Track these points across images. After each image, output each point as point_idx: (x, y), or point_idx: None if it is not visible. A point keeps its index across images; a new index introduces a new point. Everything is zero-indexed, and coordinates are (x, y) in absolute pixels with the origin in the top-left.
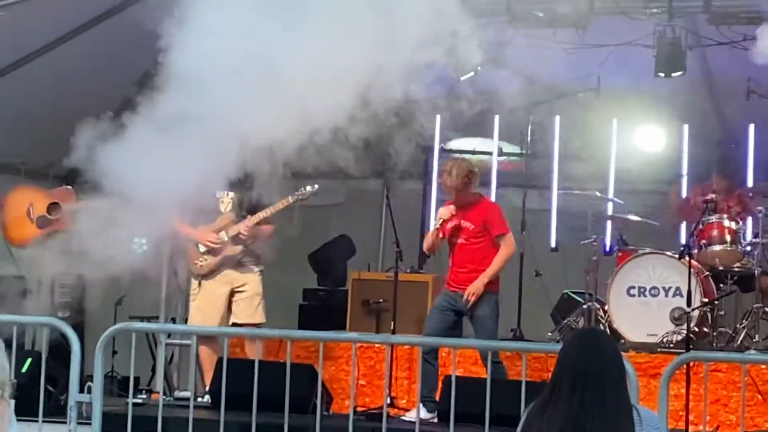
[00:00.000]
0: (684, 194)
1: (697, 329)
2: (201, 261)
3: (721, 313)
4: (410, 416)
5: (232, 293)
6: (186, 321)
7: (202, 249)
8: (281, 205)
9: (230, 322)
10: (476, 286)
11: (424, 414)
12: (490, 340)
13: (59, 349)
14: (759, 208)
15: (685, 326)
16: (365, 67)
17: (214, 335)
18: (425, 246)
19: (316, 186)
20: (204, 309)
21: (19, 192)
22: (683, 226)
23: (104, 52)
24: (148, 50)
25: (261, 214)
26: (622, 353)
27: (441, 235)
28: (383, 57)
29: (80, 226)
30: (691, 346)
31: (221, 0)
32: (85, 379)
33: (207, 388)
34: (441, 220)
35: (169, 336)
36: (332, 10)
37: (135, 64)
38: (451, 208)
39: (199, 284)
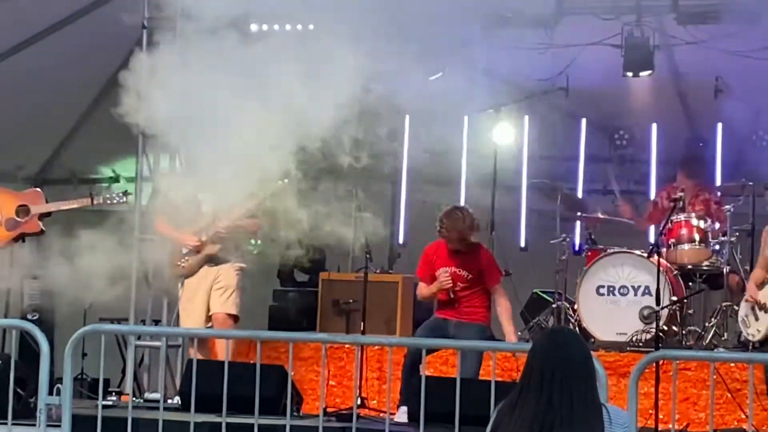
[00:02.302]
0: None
1: (666, 328)
2: (183, 262)
3: (690, 311)
4: (400, 418)
5: (211, 286)
6: (155, 322)
7: (184, 250)
8: (254, 202)
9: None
10: (510, 333)
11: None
12: (475, 365)
13: (29, 351)
14: (727, 207)
15: (654, 325)
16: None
17: (203, 339)
18: (419, 295)
19: (286, 180)
20: (187, 309)
21: None
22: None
23: (72, 54)
24: (117, 52)
25: (233, 215)
26: (592, 352)
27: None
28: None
29: None
30: (660, 345)
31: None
32: (54, 381)
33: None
34: (449, 288)
35: (138, 338)
36: None
37: (103, 66)
38: (448, 277)
39: (181, 284)
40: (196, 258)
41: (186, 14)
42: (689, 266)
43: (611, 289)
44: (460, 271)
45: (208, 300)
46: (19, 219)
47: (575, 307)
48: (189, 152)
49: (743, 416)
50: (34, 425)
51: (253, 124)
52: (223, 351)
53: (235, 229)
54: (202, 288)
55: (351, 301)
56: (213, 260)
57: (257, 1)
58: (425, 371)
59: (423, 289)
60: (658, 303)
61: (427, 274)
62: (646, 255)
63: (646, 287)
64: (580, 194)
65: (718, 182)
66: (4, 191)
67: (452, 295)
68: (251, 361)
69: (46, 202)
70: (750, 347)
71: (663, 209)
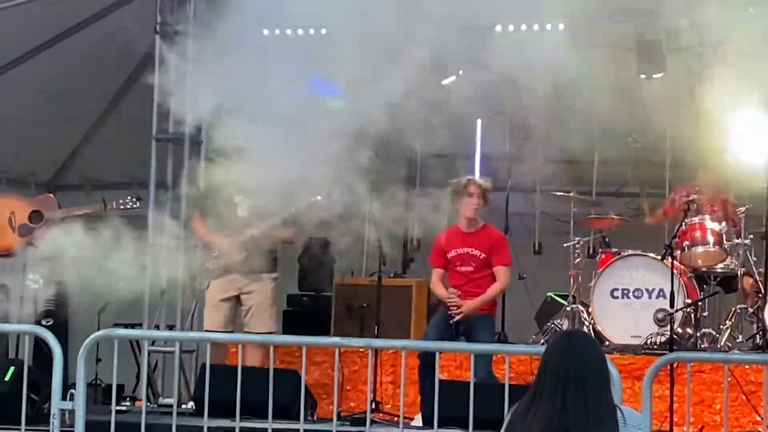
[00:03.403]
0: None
1: (680, 330)
2: (211, 263)
3: (705, 314)
4: (418, 422)
5: (239, 299)
6: (169, 327)
7: (215, 252)
8: (286, 214)
9: (244, 331)
10: (469, 307)
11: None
12: (487, 364)
13: (42, 357)
14: (741, 209)
15: (668, 327)
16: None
17: (222, 343)
18: (433, 288)
19: (319, 197)
20: (210, 313)
21: (0, 201)
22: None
23: (85, 60)
24: (129, 58)
25: (265, 224)
26: (606, 355)
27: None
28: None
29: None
30: (674, 347)
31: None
32: (68, 386)
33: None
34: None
35: (152, 343)
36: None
37: (116, 72)
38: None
39: (207, 286)
40: (224, 261)
41: (198, 20)
42: (703, 269)
43: (625, 291)
44: (472, 250)
45: (236, 309)
46: (32, 225)
47: (589, 310)
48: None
49: (758, 418)
50: (48, 431)
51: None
52: (254, 359)
53: (267, 237)
54: (229, 295)
55: (365, 305)
56: (244, 268)
57: (268, 6)
58: (438, 375)
59: (435, 285)
60: (672, 305)
61: (438, 261)
62: (660, 257)
63: (661, 290)
64: (593, 196)
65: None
66: (17, 197)
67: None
68: (265, 366)
69: (59, 207)
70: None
71: (679, 207)
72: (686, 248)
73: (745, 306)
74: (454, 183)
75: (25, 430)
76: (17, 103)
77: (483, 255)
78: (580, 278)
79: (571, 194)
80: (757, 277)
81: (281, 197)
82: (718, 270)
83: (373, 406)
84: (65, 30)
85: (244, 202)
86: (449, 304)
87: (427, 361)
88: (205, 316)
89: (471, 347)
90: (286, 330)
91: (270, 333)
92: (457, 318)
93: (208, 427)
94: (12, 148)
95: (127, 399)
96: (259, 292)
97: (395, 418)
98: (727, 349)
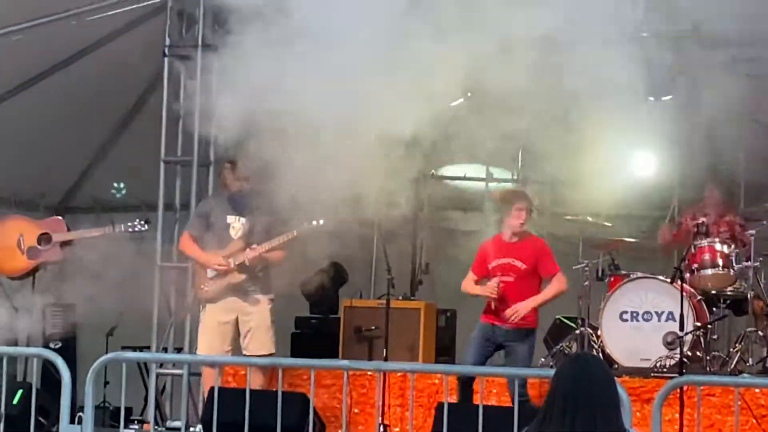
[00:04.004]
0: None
1: (690, 353)
2: (206, 285)
3: (714, 337)
4: None
5: (238, 321)
6: (177, 350)
7: (210, 274)
8: (286, 238)
9: (242, 353)
10: (525, 306)
11: None
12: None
13: (50, 380)
14: (750, 231)
15: (678, 350)
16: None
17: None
18: (463, 287)
19: (322, 221)
20: (207, 336)
21: (9, 223)
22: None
23: (93, 83)
24: (137, 82)
25: (265, 245)
26: (615, 378)
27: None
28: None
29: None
30: (684, 371)
31: None
32: (76, 410)
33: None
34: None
35: (160, 366)
36: None
37: (124, 94)
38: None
39: (203, 308)
40: (220, 284)
41: (206, 42)
42: (713, 291)
43: (635, 314)
44: (514, 261)
45: (235, 331)
46: (40, 247)
47: (598, 332)
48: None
49: None
50: None
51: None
52: (256, 381)
53: (262, 260)
54: (228, 318)
55: (373, 327)
56: (240, 290)
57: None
58: (447, 398)
59: (469, 285)
60: (681, 328)
61: (478, 270)
62: (669, 280)
63: (670, 313)
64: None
65: (741, 206)
66: (26, 220)
67: (495, 305)
68: (273, 389)
69: (68, 230)
70: None
71: (687, 230)
72: (695, 271)
73: (755, 329)
74: (502, 192)
75: None
76: (27, 125)
77: (525, 266)
78: (589, 301)
79: (579, 217)
80: (767, 300)
81: (283, 219)
82: (728, 293)
83: (382, 429)
84: (75, 53)
85: (237, 223)
86: (491, 295)
87: (464, 383)
88: (200, 339)
89: (483, 371)
90: (294, 353)
91: (270, 355)
92: (512, 320)
93: None
94: (21, 171)
95: (135, 422)
96: (257, 314)
97: None
98: (737, 372)
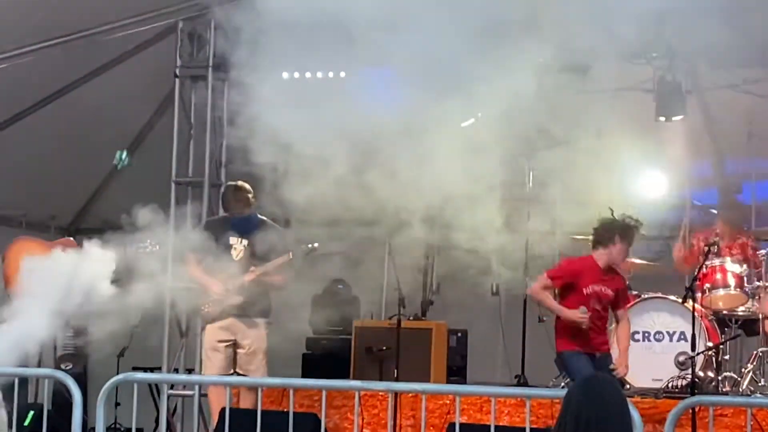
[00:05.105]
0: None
1: (702, 374)
2: (207, 307)
3: (726, 357)
4: None
5: (236, 342)
6: (188, 371)
7: (211, 296)
8: (281, 261)
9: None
10: (626, 364)
11: None
12: None
13: (62, 401)
14: (762, 252)
15: (689, 371)
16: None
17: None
18: (535, 295)
19: (317, 244)
20: (209, 355)
21: (20, 244)
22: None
23: (104, 105)
24: (148, 103)
25: (261, 269)
26: (627, 399)
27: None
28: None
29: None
30: (696, 391)
31: None
32: (88, 431)
33: None
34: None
35: (171, 386)
36: None
37: (135, 116)
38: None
39: (203, 328)
40: (219, 306)
41: (217, 63)
42: (725, 311)
43: (646, 334)
44: (606, 290)
45: (234, 352)
46: None
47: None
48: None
49: None
50: None
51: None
52: (247, 402)
53: (260, 283)
54: (227, 338)
55: (384, 348)
56: (240, 313)
57: (288, 49)
58: (459, 418)
59: (540, 294)
60: (693, 349)
61: (560, 283)
62: (681, 300)
63: (682, 333)
64: None
65: (753, 226)
66: (37, 241)
67: (576, 332)
68: (284, 409)
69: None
70: None
71: (698, 252)
72: (707, 291)
73: (766, 349)
74: (627, 227)
75: None
76: (38, 147)
77: (613, 296)
78: None
79: (590, 237)
80: None
81: (280, 242)
82: (740, 313)
83: None
84: (86, 74)
85: (239, 245)
86: (583, 324)
87: None
88: (204, 361)
89: (489, 391)
90: (306, 373)
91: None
92: (621, 375)
93: None
94: (32, 192)
95: None
96: (255, 337)
97: None
98: (749, 392)
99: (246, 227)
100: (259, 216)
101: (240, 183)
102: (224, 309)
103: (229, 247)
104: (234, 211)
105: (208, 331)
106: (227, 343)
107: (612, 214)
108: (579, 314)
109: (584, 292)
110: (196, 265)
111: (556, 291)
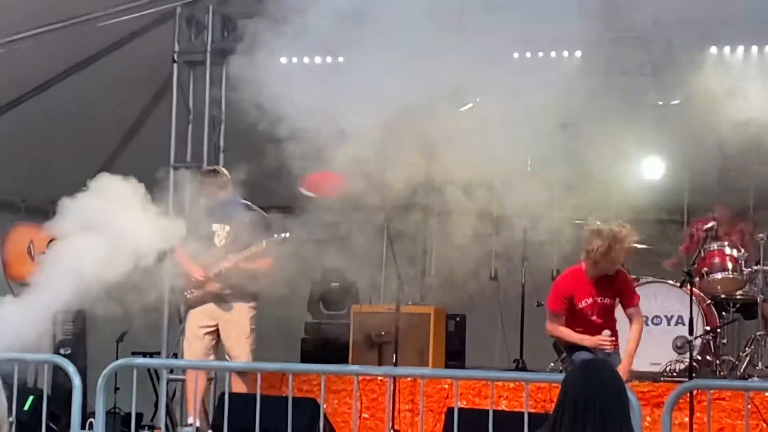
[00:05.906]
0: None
1: (699, 357)
2: (189, 293)
3: (724, 341)
4: None
5: (218, 327)
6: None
7: (192, 281)
8: (254, 249)
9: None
10: (629, 368)
11: None
12: None
13: (61, 386)
14: (760, 235)
15: (687, 355)
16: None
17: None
18: (553, 331)
19: (287, 234)
20: (190, 341)
21: (20, 229)
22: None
23: (104, 89)
24: (147, 87)
25: (235, 258)
26: (625, 383)
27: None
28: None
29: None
30: (694, 375)
31: None
32: (87, 416)
33: (191, 414)
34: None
35: (171, 371)
36: None
37: (133, 101)
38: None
39: (186, 315)
40: (200, 291)
41: (215, 48)
42: (722, 295)
43: (644, 318)
44: (600, 299)
45: (216, 338)
46: None
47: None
48: None
49: None
50: None
51: None
52: (239, 386)
53: (240, 269)
54: (208, 323)
55: (383, 333)
56: (220, 299)
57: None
58: (458, 403)
59: (561, 331)
60: (691, 333)
61: (563, 308)
62: (679, 284)
63: (680, 317)
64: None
65: (751, 211)
66: (37, 227)
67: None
68: (283, 394)
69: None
70: None
71: (698, 240)
72: (705, 275)
73: (764, 333)
74: (615, 232)
75: None
76: (37, 131)
77: (610, 302)
78: None
79: (587, 221)
80: None
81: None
82: (738, 297)
83: None
84: (84, 59)
85: (222, 231)
86: (606, 349)
87: None
88: (185, 346)
89: (487, 375)
90: (305, 358)
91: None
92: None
93: None
94: (31, 178)
95: (146, 428)
96: (237, 322)
97: None
98: (746, 376)
99: (228, 213)
100: (242, 201)
101: (216, 167)
102: (205, 294)
103: (212, 233)
104: (214, 197)
105: (192, 316)
106: (209, 329)
107: (599, 223)
108: (600, 339)
109: (579, 307)
110: (182, 251)
111: None
